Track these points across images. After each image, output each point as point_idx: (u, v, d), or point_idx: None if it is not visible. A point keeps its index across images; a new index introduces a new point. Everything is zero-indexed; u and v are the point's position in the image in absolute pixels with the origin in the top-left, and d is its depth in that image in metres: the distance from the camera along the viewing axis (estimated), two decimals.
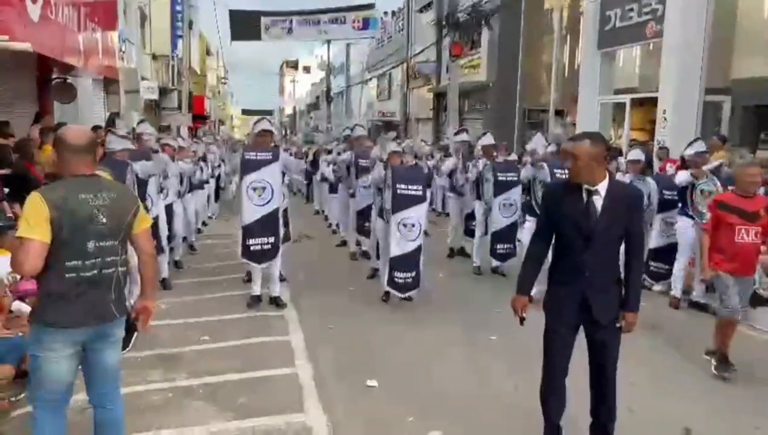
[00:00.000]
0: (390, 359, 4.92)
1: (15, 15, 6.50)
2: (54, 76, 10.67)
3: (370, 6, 19.92)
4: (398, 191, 6.30)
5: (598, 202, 3.10)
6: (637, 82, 13.88)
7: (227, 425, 3.77)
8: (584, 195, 3.12)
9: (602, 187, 3.11)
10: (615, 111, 14.09)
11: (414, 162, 7.34)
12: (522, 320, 3.33)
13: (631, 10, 12.34)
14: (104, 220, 2.76)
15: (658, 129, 11.37)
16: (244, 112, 63.59)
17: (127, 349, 4.57)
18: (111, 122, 11.07)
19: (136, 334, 4.64)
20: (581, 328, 3.27)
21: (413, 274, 6.37)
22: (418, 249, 6.38)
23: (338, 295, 6.78)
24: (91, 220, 2.72)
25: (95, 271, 2.77)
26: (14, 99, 9.58)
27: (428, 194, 7.19)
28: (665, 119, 11.19)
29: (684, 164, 6.94)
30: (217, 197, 14.21)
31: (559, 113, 15.98)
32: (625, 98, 13.34)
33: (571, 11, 15.35)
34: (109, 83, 13.82)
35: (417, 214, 6.36)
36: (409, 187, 6.34)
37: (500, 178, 7.57)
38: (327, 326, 5.70)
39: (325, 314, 6.04)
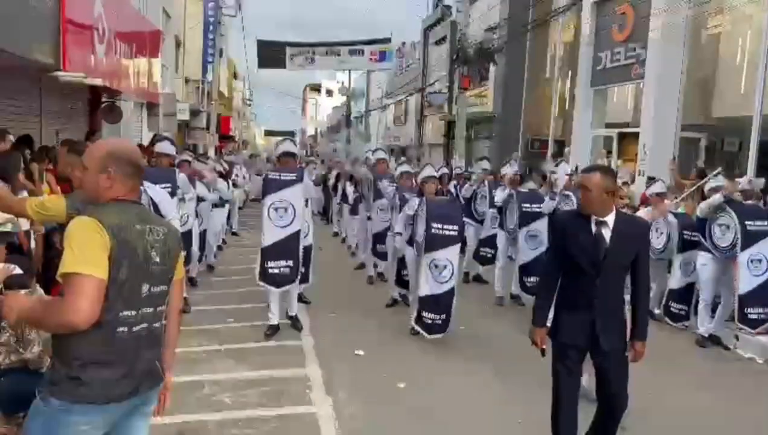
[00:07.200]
0: (375, 338, 6.19)
1: (89, 54, 7.86)
2: (103, 99, 12.20)
3: (387, 40, 21.55)
4: (432, 230, 5.92)
5: (607, 233, 3.20)
6: (629, 117, 15.05)
7: (248, 373, 5.06)
8: (593, 226, 3.22)
9: (610, 218, 3.21)
10: (606, 144, 15.28)
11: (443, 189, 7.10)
12: (543, 352, 3.35)
13: (619, 52, 13.62)
14: (158, 260, 2.16)
15: (638, 162, 12.56)
16: (267, 132, 64.55)
17: None
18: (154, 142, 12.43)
19: None
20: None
21: (443, 316, 5.95)
22: (451, 292, 5.95)
23: (342, 294, 8.01)
24: (147, 259, 2.12)
25: (145, 325, 2.15)
26: (68, 120, 11.05)
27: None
28: (645, 153, 12.40)
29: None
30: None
31: (559, 143, 17.27)
32: (613, 132, 14.57)
33: (570, 50, 16.72)
34: (149, 106, 15.35)
35: (449, 255, 5.94)
36: (444, 226, 5.93)
37: (525, 209, 7.26)
38: (329, 314, 6.97)
39: (328, 306, 7.26)
